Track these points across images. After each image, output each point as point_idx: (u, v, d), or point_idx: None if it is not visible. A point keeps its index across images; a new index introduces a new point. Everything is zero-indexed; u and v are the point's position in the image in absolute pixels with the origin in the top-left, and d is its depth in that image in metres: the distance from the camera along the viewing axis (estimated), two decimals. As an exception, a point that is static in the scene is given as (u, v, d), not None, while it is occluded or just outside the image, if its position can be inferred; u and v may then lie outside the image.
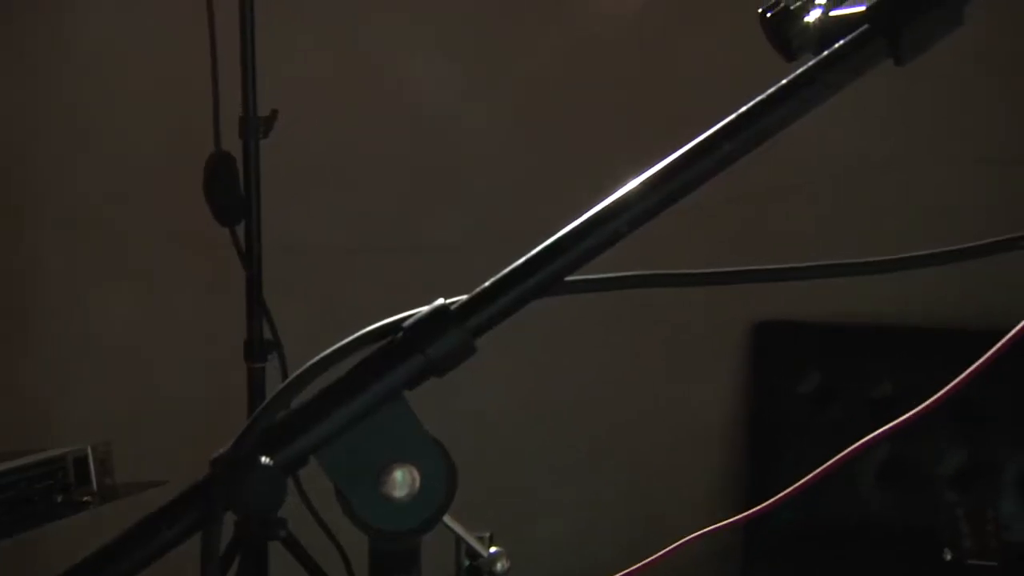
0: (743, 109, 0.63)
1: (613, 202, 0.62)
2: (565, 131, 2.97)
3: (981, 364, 0.88)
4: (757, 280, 0.66)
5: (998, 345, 0.89)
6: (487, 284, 0.63)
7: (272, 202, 2.33)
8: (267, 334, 2.27)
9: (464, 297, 0.63)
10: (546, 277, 0.63)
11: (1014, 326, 0.87)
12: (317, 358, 0.62)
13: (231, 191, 2.21)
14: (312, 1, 2.99)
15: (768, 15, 0.71)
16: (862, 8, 0.61)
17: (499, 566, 0.76)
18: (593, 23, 2.97)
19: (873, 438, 0.84)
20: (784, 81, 0.62)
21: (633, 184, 0.62)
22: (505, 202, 2.95)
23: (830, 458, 0.81)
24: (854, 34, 0.61)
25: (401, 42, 3.00)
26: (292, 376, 0.62)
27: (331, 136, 3.00)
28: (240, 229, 2.25)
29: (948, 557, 2.19)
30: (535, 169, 2.96)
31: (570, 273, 0.63)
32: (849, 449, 0.81)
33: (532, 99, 2.98)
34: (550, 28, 2.98)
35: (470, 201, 2.98)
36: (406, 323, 0.63)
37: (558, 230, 0.64)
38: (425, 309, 0.63)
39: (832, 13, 0.65)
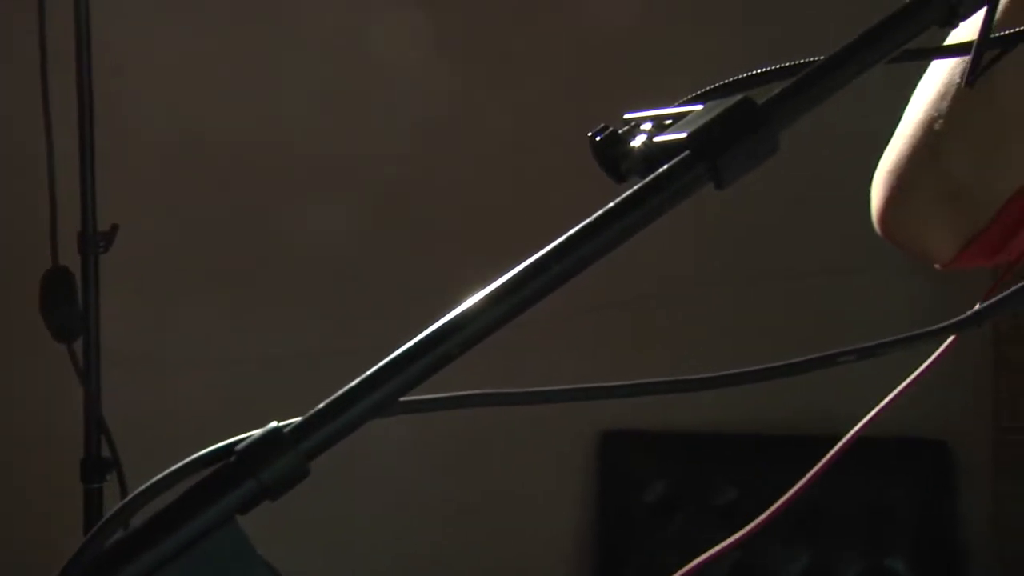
0: (573, 231, 0.65)
1: (445, 324, 0.62)
2: (412, 239, 2.98)
3: (819, 469, 0.91)
4: (592, 398, 0.68)
5: (834, 450, 0.92)
6: (321, 406, 0.63)
7: (112, 316, 2.29)
8: (106, 452, 2.22)
9: (298, 419, 0.63)
10: (381, 398, 0.63)
11: (847, 431, 0.90)
12: (146, 485, 0.61)
13: (68, 307, 2.17)
14: (152, 114, 2.98)
15: (596, 139, 0.73)
16: (684, 135, 0.64)
17: None
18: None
19: (723, 548, 0.86)
20: (610, 205, 0.63)
21: (465, 306, 0.63)
22: (347, 316, 2.94)
23: (676, 566, 0.82)
24: (676, 160, 0.63)
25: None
26: (120, 504, 0.60)
27: (170, 248, 2.96)
28: (79, 345, 2.21)
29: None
30: (378, 283, 2.96)
31: (405, 393, 0.64)
32: (698, 560, 0.82)
33: (374, 205, 2.99)
34: (387, 141, 3.01)
35: (311, 314, 2.97)
36: (239, 447, 0.62)
37: (401, 344, 0.64)
38: (258, 432, 0.62)
39: (656, 139, 0.67)
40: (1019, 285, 0.65)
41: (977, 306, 0.64)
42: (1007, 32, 0.74)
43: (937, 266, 1.09)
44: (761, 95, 0.66)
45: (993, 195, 1.03)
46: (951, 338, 0.86)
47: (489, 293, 0.63)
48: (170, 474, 0.62)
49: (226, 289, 2.98)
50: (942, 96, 1.02)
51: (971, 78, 0.74)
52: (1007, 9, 0.90)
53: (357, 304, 2.95)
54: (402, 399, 0.64)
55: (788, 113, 0.65)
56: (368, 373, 0.63)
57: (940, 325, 0.63)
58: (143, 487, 0.61)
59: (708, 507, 2.93)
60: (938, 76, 1.03)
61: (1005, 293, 0.64)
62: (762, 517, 0.88)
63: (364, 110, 3.01)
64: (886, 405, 0.87)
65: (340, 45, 2.98)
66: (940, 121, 1.02)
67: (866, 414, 0.89)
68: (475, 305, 0.62)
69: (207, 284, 2.98)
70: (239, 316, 2.97)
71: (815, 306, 2.96)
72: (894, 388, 0.87)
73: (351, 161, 2.99)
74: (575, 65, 2.97)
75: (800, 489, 0.89)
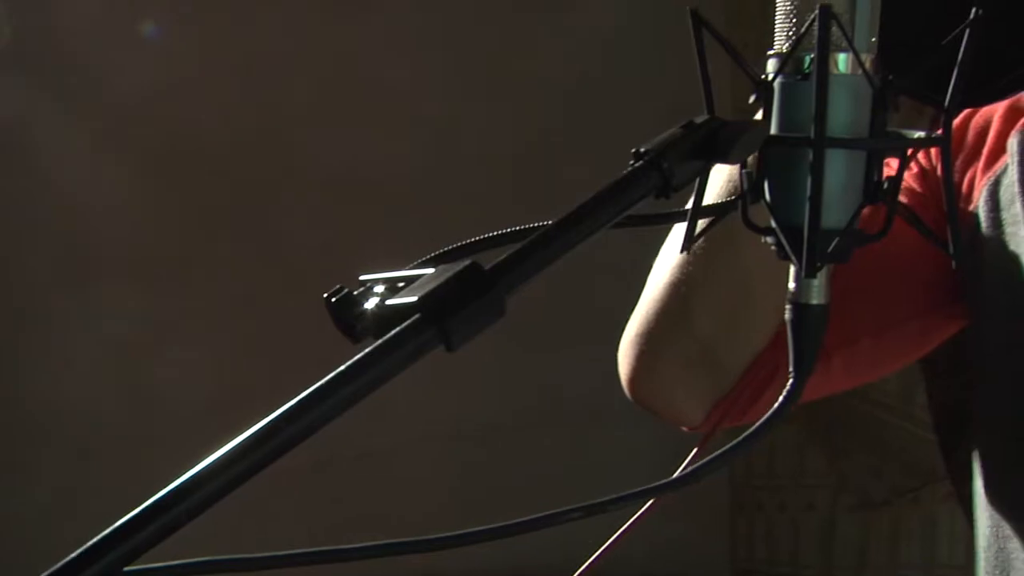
0: (306, 393, 0.65)
1: (172, 490, 0.62)
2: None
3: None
4: (319, 562, 0.67)
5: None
6: (41, 578, 0.61)
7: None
8: None
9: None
10: (104, 568, 0.61)
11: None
12: None
13: None
14: None
15: (332, 301, 0.74)
16: (414, 299, 0.65)
17: None
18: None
19: None
20: (342, 368, 0.64)
21: (192, 472, 0.62)
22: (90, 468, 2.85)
23: None
24: (407, 323, 0.64)
25: None
26: None
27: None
28: None
29: None
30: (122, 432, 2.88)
31: (130, 563, 0.62)
32: None
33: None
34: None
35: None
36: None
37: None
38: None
39: (388, 302, 0.68)
40: (718, 452, 0.68)
41: (679, 471, 0.67)
42: (718, 203, 0.79)
43: (685, 429, 1.10)
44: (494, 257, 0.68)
45: (739, 357, 1.05)
46: (651, 501, 0.89)
47: (218, 458, 0.63)
48: None
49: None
50: (686, 259, 1.04)
51: (686, 245, 0.78)
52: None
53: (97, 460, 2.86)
54: (127, 568, 0.62)
55: (515, 277, 0.67)
56: (92, 542, 0.61)
57: (647, 487, 0.66)
58: None
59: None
60: (672, 249, 1.06)
61: (706, 460, 0.68)
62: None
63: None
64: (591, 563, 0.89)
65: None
66: (686, 284, 1.04)
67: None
68: (202, 471, 0.62)
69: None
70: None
71: (561, 456, 3.01)
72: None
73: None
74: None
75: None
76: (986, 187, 1.05)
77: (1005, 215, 1.03)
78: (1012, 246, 1.02)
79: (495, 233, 0.77)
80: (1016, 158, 1.02)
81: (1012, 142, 1.03)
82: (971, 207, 1.05)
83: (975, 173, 1.06)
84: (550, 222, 0.71)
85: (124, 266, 2.99)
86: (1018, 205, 1.01)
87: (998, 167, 1.05)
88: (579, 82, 3.09)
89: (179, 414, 2.83)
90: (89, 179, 2.98)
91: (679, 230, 1.05)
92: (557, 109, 3.08)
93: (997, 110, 1.07)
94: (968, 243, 1.02)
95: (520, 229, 0.78)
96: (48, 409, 2.95)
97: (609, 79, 3.07)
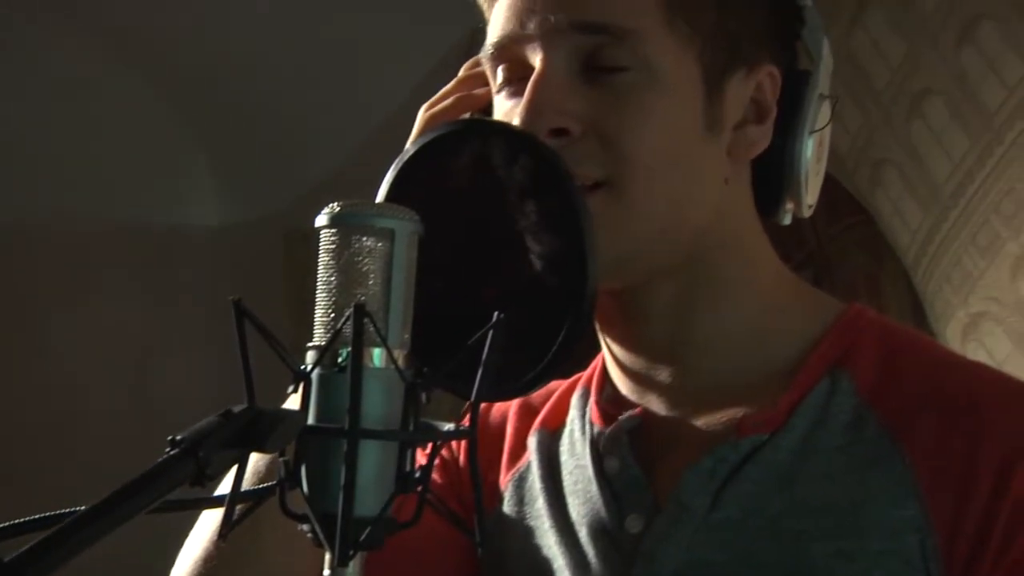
0: None
1: None
2: None
3: None
4: None
5: None
6: None
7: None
8: None
9: None
10: None
11: None
12: None
13: None
14: None
15: None
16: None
17: None
18: None
19: None
20: None
21: None
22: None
23: None
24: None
25: None
26: None
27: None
28: None
29: None
30: None
31: None
32: None
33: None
34: None
35: None
36: None
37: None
38: None
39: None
40: None
41: None
42: (255, 488, 0.79)
43: None
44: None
45: None
46: None
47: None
48: None
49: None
50: (208, 561, 1.02)
51: (223, 532, 0.77)
52: None
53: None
54: None
55: (40, 570, 0.64)
56: None
57: None
58: None
59: None
60: (205, 531, 1.04)
61: None
62: None
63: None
64: None
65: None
66: None
67: None
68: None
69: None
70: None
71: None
72: None
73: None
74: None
75: None
76: (511, 482, 1.09)
77: (529, 510, 1.07)
78: (536, 540, 1.05)
79: (19, 520, 0.73)
80: (536, 455, 1.07)
81: (532, 440, 1.09)
82: (495, 502, 1.09)
83: (499, 470, 1.10)
84: (81, 508, 0.69)
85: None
86: (541, 501, 1.06)
87: (521, 464, 1.09)
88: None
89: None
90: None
91: (206, 519, 1.04)
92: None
93: (511, 407, 1.13)
94: (494, 537, 1.05)
95: (48, 516, 0.75)
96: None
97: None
